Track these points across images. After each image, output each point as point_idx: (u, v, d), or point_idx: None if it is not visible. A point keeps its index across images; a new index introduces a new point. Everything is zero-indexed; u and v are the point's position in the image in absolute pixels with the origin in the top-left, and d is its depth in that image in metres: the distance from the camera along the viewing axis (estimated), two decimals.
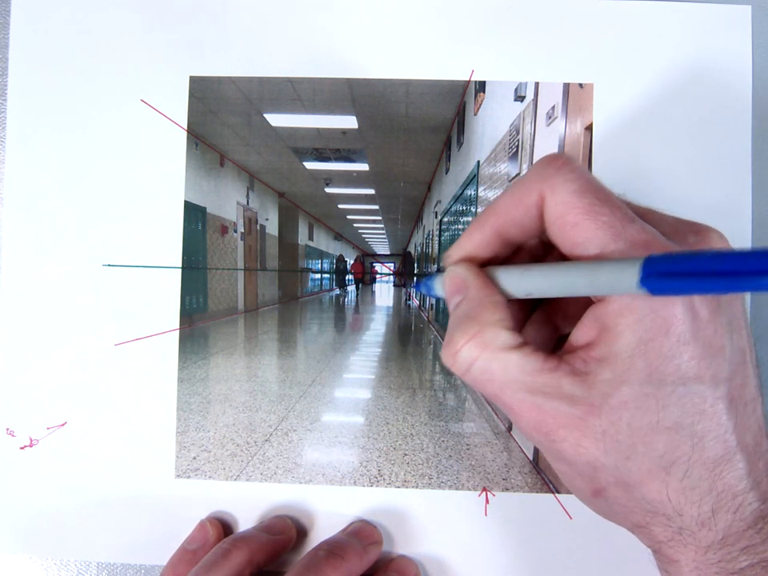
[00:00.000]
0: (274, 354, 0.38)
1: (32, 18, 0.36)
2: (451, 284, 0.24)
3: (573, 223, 0.20)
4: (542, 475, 0.35)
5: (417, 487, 0.35)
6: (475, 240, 0.23)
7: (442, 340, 0.39)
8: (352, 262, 0.42)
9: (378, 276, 0.41)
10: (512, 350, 0.21)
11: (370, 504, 0.35)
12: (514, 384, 0.21)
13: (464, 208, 0.39)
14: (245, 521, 0.35)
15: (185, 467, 0.36)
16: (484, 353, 0.21)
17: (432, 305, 0.40)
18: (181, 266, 0.36)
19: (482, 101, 0.37)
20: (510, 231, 0.23)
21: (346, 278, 0.42)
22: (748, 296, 0.34)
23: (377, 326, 0.40)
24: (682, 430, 0.19)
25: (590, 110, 0.35)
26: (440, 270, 0.29)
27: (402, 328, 0.40)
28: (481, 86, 0.36)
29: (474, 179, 0.38)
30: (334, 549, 0.31)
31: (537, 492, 0.35)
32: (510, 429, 0.36)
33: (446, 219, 0.40)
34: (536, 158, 0.36)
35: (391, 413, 0.36)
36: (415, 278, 0.32)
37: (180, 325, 0.36)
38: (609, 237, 0.19)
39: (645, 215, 0.21)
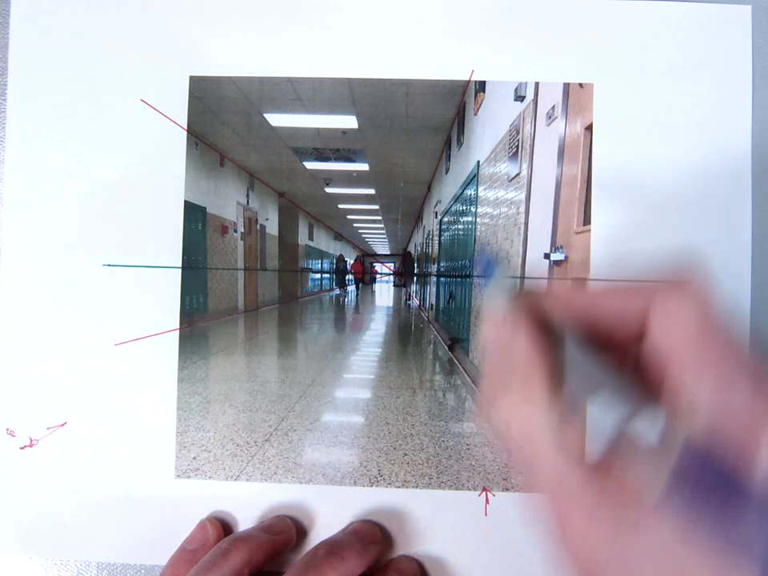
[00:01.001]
0: (274, 354, 0.38)
1: (32, 17, 0.36)
2: (498, 333, 0.22)
3: (684, 359, 0.18)
4: None
5: (417, 487, 0.35)
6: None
7: (442, 340, 0.39)
8: (352, 261, 0.42)
9: (377, 276, 0.41)
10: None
11: (369, 504, 0.35)
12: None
13: (464, 208, 0.39)
14: (245, 521, 0.35)
15: (185, 467, 0.36)
16: (531, 430, 0.20)
17: (432, 305, 0.40)
18: (181, 266, 0.36)
19: (481, 101, 0.37)
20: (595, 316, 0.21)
21: (346, 277, 0.42)
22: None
23: (377, 326, 0.40)
24: None
25: (590, 110, 0.35)
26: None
27: (402, 328, 0.40)
28: (481, 86, 0.36)
29: (474, 179, 0.38)
30: (333, 548, 0.31)
31: (537, 492, 0.34)
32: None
33: (446, 219, 0.40)
34: (536, 158, 0.36)
35: (391, 413, 0.36)
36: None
37: (180, 325, 0.36)
38: (715, 401, 0.18)
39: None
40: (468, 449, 0.35)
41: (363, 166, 0.38)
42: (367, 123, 0.37)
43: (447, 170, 0.39)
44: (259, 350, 0.38)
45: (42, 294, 0.36)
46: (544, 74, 0.36)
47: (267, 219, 0.41)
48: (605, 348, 0.22)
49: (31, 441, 0.36)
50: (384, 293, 0.41)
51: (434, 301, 0.40)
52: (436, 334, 0.39)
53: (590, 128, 0.35)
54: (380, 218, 0.40)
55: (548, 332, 0.22)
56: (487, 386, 0.21)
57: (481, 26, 0.36)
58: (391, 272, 0.41)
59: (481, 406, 0.22)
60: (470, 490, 0.35)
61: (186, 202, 0.36)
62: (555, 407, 0.20)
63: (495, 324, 0.22)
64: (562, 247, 0.36)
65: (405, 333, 0.40)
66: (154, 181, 0.36)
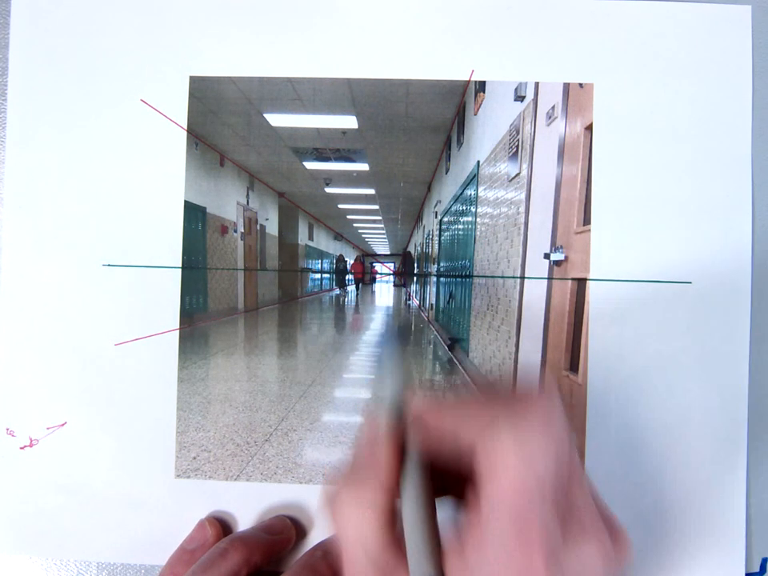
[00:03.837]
0: (274, 354, 0.38)
1: (32, 17, 0.36)
2: (367, 432, 0.24)
3: (494, 489, 0.19)
4: None
5: None
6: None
7: (442, 339, 0.39)
8: (352, 261, 0.42)
9: (377, 276, 0.41)
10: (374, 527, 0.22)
11: None
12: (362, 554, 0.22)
13: (464, 208, 0.39)
14: (244, 521, 0.35)
15: (185, 467, 0.36)
16: (360, 523, 0.22)
17: (432, 305, 0.40)
18: (181, 266, 0.36)
19: (481, 101, 0.37)
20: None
21: (346, 277, 0.42)
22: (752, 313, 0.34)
23: (377, 326, 0.40)
24: None
25: (589, 110, 0.35)
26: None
27: (401, 328, 0.40)
28: (481, 86, 0.36)
29: (474, 179, 0.38)
30: (330, 549, 0.31)
31: None
32: None
33: (445, 219, 0.40)
34: (536, 158, 0.36)
35: None
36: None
37: (180, 325, 0.36)
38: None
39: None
40: None
41: (363, 166, 0.38)
42: (367, 123, 0.37)
43: (447, 170, 0.39)
44: (259, 350, 0.38)
45: (42, 294, 0.36)
46: (544, 74, 0.36)
47: (267, 219, 0.41)
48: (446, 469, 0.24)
49: (31, 441, 0.36)
50: (384, 293, 0.41)
51: (433, 301, 0.40)
52: (436, 334, 0.39)
53: (590, 128, 0.35)
54: (380, 218, 0.40)
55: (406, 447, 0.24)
56: (337, 480, 0.23)
57: (481, 26, 0.36)
58: (391, 272, 0.41)
59: (324, 498, 0.23)
60: None
61: (186, 201, 0.36)
62: (382, 524, 0.22)
63: (369, 423, 0.24)
64: (561, 247, 0.36)
65: (405, 333, 0.40)
66: (153, 181, 0.36)
